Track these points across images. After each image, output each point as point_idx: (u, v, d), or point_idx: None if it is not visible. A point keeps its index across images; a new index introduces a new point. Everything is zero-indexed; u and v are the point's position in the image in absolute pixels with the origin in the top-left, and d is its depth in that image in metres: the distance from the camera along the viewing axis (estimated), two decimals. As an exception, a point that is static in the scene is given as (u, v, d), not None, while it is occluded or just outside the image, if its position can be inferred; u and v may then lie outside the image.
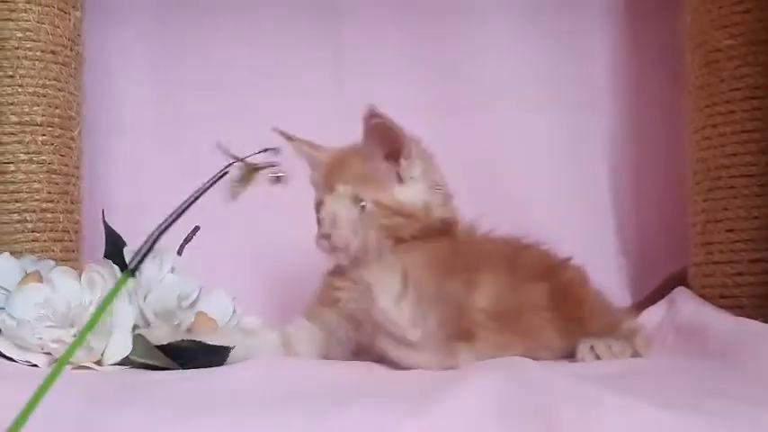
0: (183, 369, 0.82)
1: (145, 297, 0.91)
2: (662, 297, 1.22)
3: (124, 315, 0.87)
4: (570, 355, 0.99)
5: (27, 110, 1.20)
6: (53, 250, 1.21)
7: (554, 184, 1.47)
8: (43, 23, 1.21)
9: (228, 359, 0.82)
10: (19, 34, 1.20)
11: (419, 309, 0.83)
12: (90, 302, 0.85)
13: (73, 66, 1.27)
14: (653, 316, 1.16)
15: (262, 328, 0.97)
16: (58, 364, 0.37)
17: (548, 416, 0.53)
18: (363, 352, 0.91)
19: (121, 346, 0.85)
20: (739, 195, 1.15)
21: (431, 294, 0.86)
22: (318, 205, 1.00)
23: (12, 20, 1.20)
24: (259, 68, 1.51)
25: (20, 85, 1.20)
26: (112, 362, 0.84)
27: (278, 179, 0.55)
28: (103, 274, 0.88)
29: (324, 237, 0.95)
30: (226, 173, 0.53)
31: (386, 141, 0.94)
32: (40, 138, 1.21)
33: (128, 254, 0.92)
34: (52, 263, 0.98)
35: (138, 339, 0.85)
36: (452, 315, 0.88)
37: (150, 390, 0.70)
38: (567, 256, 1.10)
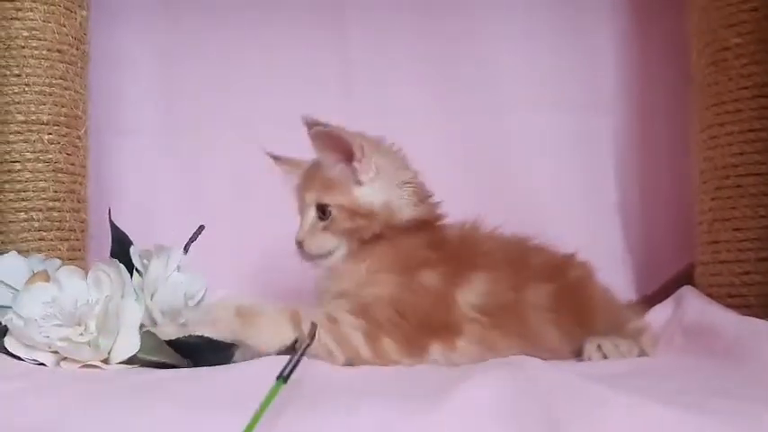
0: (190, 367, 0.82)
1: (152, 296, 0.91)
2: (668, 296, 1.22)
3: (131, 313, 0.87)
4: (576, 355, 0.99)
5: (33, 109, 1.21)
6: (59, 249, 1.21)
7: (560, 184, 1.47)
8: (49, 22, 1.22)
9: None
10: (25, 33, 1.20)
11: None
12: (96, 301, 0.85)
13: (79, 64, 1.28)
14: (660, 315, 1.15)
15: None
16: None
17: (553, 415, 0.53)
18: None
19: (129, 343, 0.85)
20: (746, 194, 1.14)
21: (393, 290, 0.90)
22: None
23: (18, 19, 1.20)
24: (265, 68, 1.51)
25: (26, 84, 1.20)
26: (120, 360, 0.84)
27: None
28: (110, 274, 0.88)
29: (297, 244, 1.00)
30: None
31: (335, 147, 0.97)
32: (47, 136, 1.21)
33: (134, 253, 0.92)
34: (59, 262, 0.98)
35: (147, 336, 0.85)
36: (425, 306, 0.90)
37: (156, 388, 0.70)
38: (573, 252, 1.09)
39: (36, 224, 1.20)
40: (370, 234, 0.97)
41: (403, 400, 0.58)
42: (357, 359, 0.85)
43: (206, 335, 0.81)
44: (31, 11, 1.20)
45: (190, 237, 0.97)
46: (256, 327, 0.82)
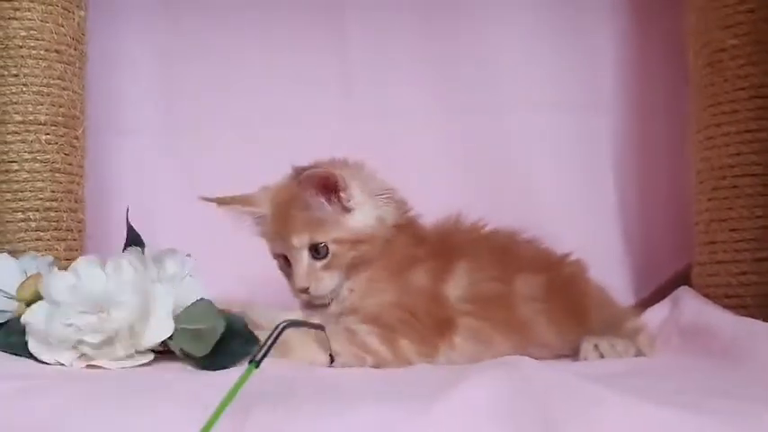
0: (211, 362, 0.82)
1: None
2: (665, 296, 1.22)
3: (164, 298, 0.86)
4: (573, 354, 0.99)
5: (31, 109, 1.20)
6: (57, 249, 1.21)
7: (559, 184, 1.47)
8: (47, 22, 1.22)
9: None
10: (23, 33, 1.20)
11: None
12: (120, 288, 0.84)
13: (77, 65, 1.27)
14: (657, 315, 1.16)
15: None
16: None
17: (549, 415, 0.53)
18: None
19: (162, 328, 0.84)
20: (743, 195, 1.15)
21: (396, 294, 0.92)
22: (278, 256, 1.01)
23: (16, 19, 1.20)
24: (265, 69, 1.51)
25: (24, 84, 1.20)
26: (152, 344, 0.84)
27: None
28: (130, 261, 0.87)
29: (302, 291, 0.96)
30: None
31: (320, 185, 0.94)
32: (44, 137, 1.21)
33: (148, 254, 0.92)
34: (51, 258, 0.98)
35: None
36: (424, 304, 0.92)
37: (156, 388, 0.70)
38: (567, 251, 1.09)
39: (33, 224, 1.20)
40: (376, 253, 0.96)
41: (400, 401, 0.59)
42: (383, 363, 0.87)
43: None
44: (29, 11, 1.20)
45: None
46: (293, 356, 0.85)
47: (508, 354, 0.89)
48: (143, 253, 0.90)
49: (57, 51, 1.23)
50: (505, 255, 1.01)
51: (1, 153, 1.20)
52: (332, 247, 0.95)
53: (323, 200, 0.95)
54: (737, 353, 0.88)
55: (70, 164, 1.25)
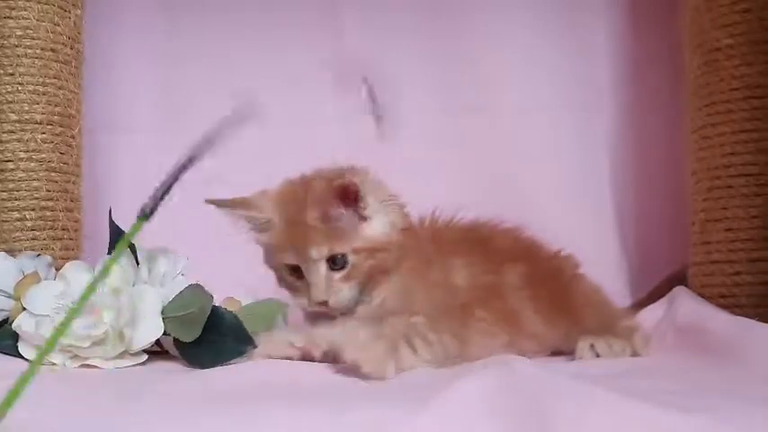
0: (204, 360, 0.82)
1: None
2: (661, 296, 1.23)
3: (152, 300, 0.86)
4: (568, 353, 0.99)
5: (27, 108, 1.20)
6: (53, 248, 1.21)
7: (555, 183, 1.47)
8: (43, 21, 1.21)
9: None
10: (19, 32, 1.20)
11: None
12: (109, 291, 0.84)
13: (73, 64, 1.27)
14: (652, 315, 1.16)
15: None
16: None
17: (542, 413, 0.53)
18: None
19: (151, 329, 0.84)
20: (738, 195, 1.15)
21: (428, 293, 0.91)
22: (283, 268, 0.96)
23: (12, 18, 1.20)
24: (260, 67, 1.51)
25: (20, 84, 1.20)
26: (142, 346, 0.84)
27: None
28: (120, 263, 0.87)
29: (320, 304, 0.92)
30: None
31: (341, 195, 0.91)
32: (40, 136, 1.21)
33: (138, 251, 0.92)
34: (49, 258, 0.98)
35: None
36: (449, 299, 0.91)
37: (155, 388, 0.70)
38: (558, 248, 1.10)
39: (29, 223, 1.20)
40: (394, 260, 0.93)
41: (394, 400, 0.59)
42: (443, 361, 0.85)
43: None
44: (25, 10, 1.20)
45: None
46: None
47: (507, 346, 0.90)
48: (134, 253, 0.91)
49: (53, 50, 1.23)
50: (488, 245, 1.02)
51: (-3, 152, 1.20)
52: (351, 258, 0.91)
53: (343, 210, 0.92)
54: (732, 352, 0.88)
55: (66, 163, 1.25)
